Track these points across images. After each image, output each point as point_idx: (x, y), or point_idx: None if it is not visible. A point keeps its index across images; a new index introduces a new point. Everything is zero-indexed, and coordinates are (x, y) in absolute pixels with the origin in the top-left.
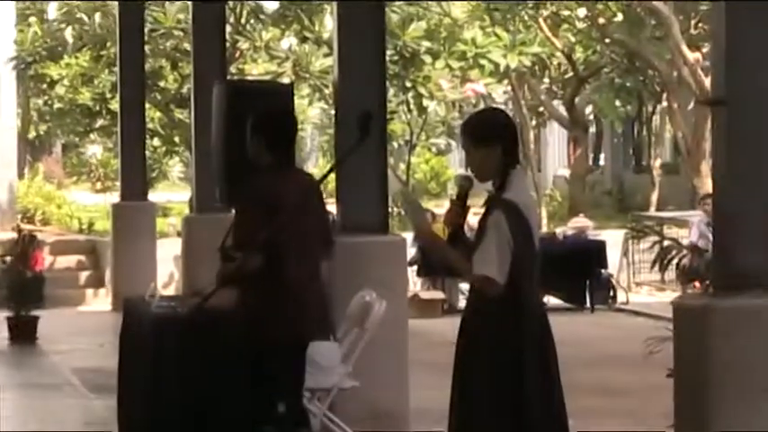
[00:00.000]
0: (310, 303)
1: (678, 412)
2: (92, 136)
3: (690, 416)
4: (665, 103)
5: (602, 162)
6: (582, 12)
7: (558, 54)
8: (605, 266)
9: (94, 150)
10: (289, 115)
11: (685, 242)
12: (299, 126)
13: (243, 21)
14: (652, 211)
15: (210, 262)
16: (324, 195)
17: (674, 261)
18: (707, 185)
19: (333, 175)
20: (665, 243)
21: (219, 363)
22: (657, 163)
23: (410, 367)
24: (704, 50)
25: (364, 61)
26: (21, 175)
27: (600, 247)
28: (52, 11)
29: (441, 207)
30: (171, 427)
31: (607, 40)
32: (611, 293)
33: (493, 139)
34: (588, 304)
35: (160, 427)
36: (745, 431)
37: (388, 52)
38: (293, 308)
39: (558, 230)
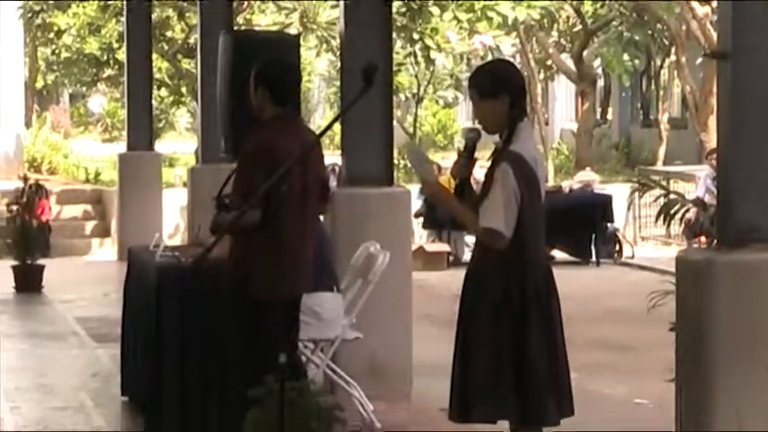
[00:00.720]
0: (305, 259)
1: (679, 366)
2: (99, 86)
3: (690, 370)
4: (673, 58)
5: (609, 116)
6: None
7: (567, 7)
8: (611, 220)
9: (100, 101)
10: (293, 66)
11: (691, 197)
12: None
13: None
14: (659, 166)
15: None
16: (325, 148)
17: (679, 215)
18: (714, 140)
19: (338, 127)
20: (670, 197)
21: (220, 313)
22: (665, 117)
23: (414, 319)
24: (713, 4)
25: (370, 12)
26: (28, 125)
27: (606, 201)
28: None
29: (447, 160)
30: (173, 377)
31: None
32: (617, 248)
33: (501, 91)
34: (593, 258)
35: (163, 377)
36: (745, 385)
37: (396, 4)
38: (286, 263)
39: (565, 184)
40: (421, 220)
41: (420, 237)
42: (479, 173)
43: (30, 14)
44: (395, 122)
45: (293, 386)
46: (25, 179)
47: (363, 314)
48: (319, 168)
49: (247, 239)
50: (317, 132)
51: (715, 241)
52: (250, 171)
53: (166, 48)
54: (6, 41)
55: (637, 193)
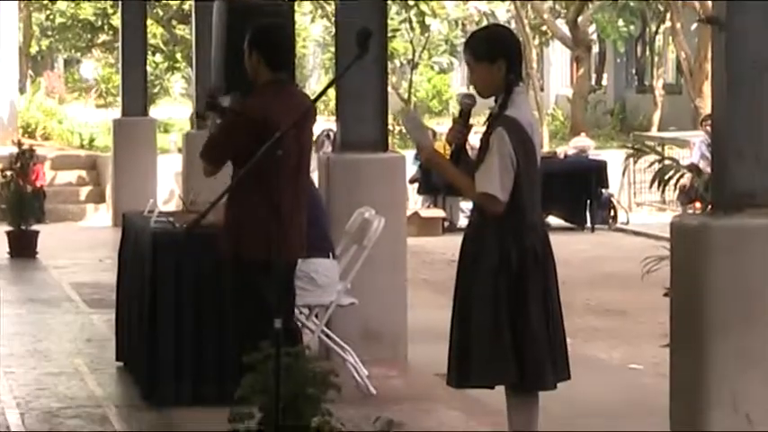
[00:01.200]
0: (298, 223)
1: (673, 331)
2: (93, 51)
3: (684, 335)
4: (668, 23)
5: (604, 82)
6: None
7: None
8: (606, 186)
9: (92, 67)
10: (287, 31)
11: (686, 162)
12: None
13: None
14: (654, 132)
15: (210, 179)
16: (320, 114)
17: (674, 181)
18: (709, 106)
19: (333, 93)
20: (664, 163)
21: (215, 277)
22: (660, 83)
23: (410, 285)
24: None
25: None
26: (22, 91)
27: (601, 166)
28: None
29: (443, 125)
30: (168, 342)
31: None
32: (612, 213)
33: (496, 55)
34: (589, 224)
35: (158, 342)
36: (739, 349)
37: None
38: (280, 226)
39: (560, 150)
40: (416, 185)
41: (415, 202)
42: (475, 138)
43: None
44: (390, 89)
45: (288, 351)
46: (19, 145)
47: (358, 280)
48: (311, 133)
49: (242, 202)
50: (312, 98)
51: (709, 206)
52: (236, 132)
53: (161, 14)
54: (0, 7)
55: (631, 159)
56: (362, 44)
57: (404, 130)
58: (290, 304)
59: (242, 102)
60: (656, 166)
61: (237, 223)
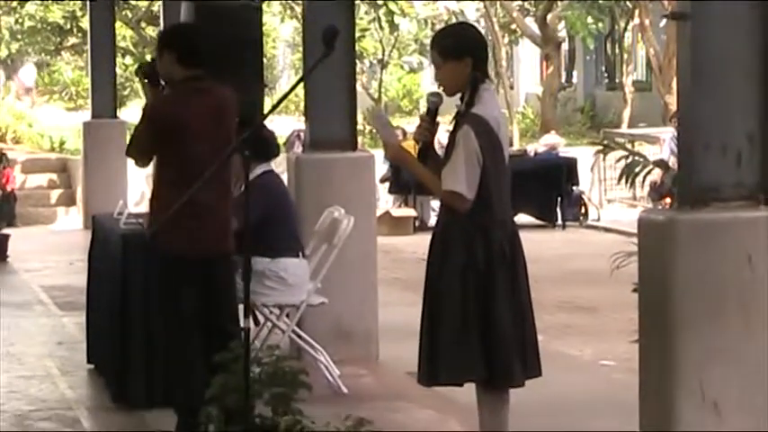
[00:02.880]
0: (219, 219)
1: (642, 326)
2: (63, 54)
3: (653, 330)
4: (637, 20)
5: (574, 79)
6: None
7: None
8: (576, 183)
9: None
10: (197, 28)
11: (656, 159)
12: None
13: None
14: (624, 129)
15: None
16: (289, 114)
17: (642, 177)
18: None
19: (302, 92)
20: (633, 159)
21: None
22: (629, 80)
23: (381, 284)
24: None
25: None
26: None
27: (571, 163)
28: None
29: (413, 125)
30: (138, 344)
31: None
32: (583, 210)
33: (462, 53)
34: (559, 221)
35: (127, 344)
36: (706, 344)
37: None
38: (197, 221)
39: (530, 147)
40: (387, 185)
41: (386, 202)
42: (444, 137)
43: None
44: (360, 88)
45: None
46: None
47: (329, 279)
48: (226, 130)
49: (159, 196)
50: (279, 98)
51: (676, 201)
52: (145, 131)
53: (130, 15)
54: None
55: (601, 156)
56: (329, 43)
57: (374, 130)
58: (225, 303)
59: (154, 102)
60: (625, 162)
61: (154, 215)
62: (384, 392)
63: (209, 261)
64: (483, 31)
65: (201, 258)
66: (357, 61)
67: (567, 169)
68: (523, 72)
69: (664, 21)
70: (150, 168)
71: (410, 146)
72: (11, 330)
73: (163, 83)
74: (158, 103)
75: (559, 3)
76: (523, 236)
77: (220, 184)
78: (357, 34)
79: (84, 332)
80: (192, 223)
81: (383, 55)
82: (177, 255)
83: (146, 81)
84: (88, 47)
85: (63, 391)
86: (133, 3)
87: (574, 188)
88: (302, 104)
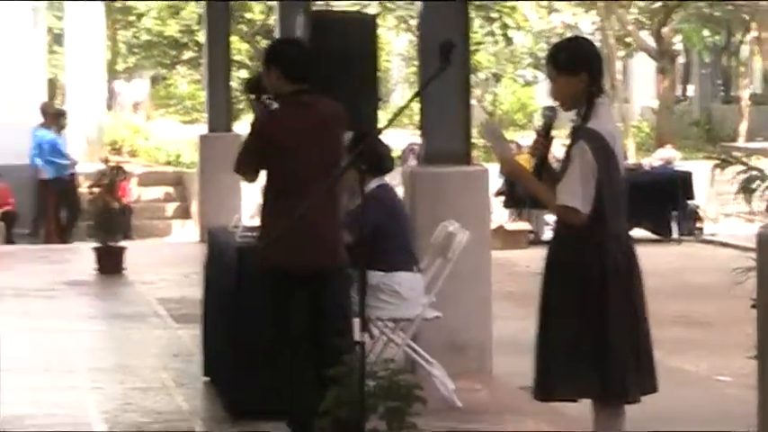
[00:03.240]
0: (324, 233)
1: (760, 342)
2: (178, 68)
3: None
4: (753, 33)
5: (689, 93)
6: None
7: None
8: (692, 197)
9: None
10: (303, 44)
11: None
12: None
13: None
14: (740, 142)
15: None
16: (403, 127)
17: (760, 191)
18: None
19: (416, 106)
20: (749, 173)
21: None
22: (746, 93)
23: (495, 298)
24: None
25: None
26: (109, 107)
27: (686, 177)
28: None
29: (527, 138)
30: (252, 356)
31: None
32: (698, 224)
33: (578, 67)
34: (675, 235)
35: (243, 357)
36: None
37: None
38: (301, 235)
39: (645, 161)
40: (502, 198)
41: (501, 216)
42: (559, 151)
43: None
44: (474, 101)
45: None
46: (106, 162)
47: (443, 293)
48: (333, 144)
49: (267, 210)
50: (395, 112)
51: None
52: (250, 147)
53: (245, 29)
54: (88, 25)
55: (718, 170)
56: (445, 56)
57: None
58: (336, 317)
59: (259, 117)
60: (742, 177)
61: (261, 235)
62: (498, 407)
63: (319, 275)
64: (598, 45)
65: (311, 273)
66: (472, 75)
67: (683, 183)
68: (638, 85)
69: None
70: (264, 180)
71: (525, 160)
72: (126, 342)
73: (267, 98)
74: (263, 117)
75: (675, 16)
76: (639, 249)
77: (330, 198)
78: (472, 48)
79: (200, 345)
80: (301, 238)
81: (497, 68)
82: (286, 270)
83: (252, 96)
84: (204, 61)
85: (179, 403)
86: (248, 16)
87: (689, 202)
88: (416, 118)
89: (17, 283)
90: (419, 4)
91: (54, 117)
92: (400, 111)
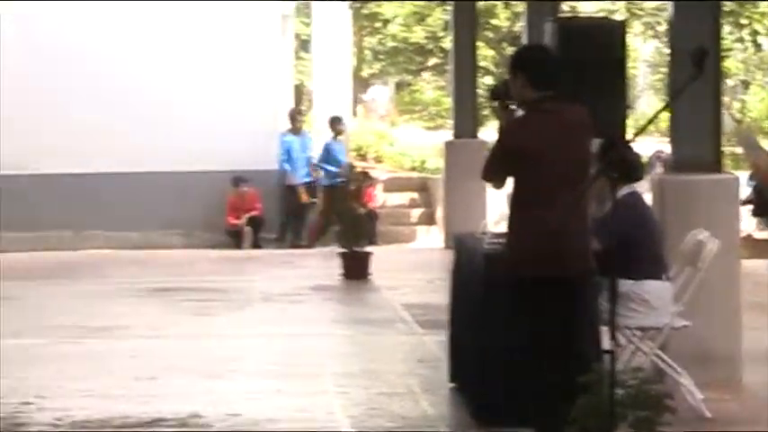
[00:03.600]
0: (569, 239)
1: None
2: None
3: None
4: None
5: None
6: None
7: None
8: None
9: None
10: (550, 51)
11: None
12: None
13: None
14: None
15: None
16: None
17: None
18: None
19: (664, 113)
20: None
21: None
22: None
23: (743, 308)
24: None
25: None
26: (354, 113)
27: None
28: None
29: None
30: (498, 363)
31: None
32: None
33: None
34: None
35: (491, 364)
36: None
37: None
38: (546, 243)
39: None
40: (750, 207)
41: (749, 224)
42: None
43: (358, 4)
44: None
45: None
46: (352, 167)
47: (691, 301)
48: (582, 151)
49: (514, 217)
50: (648, 120)
51: None
52: (497, 155)
53: (491, 36)
54: (335, 31)
55: None
56: (698, 63)
57: (736, 151)
58: (583, 324)
59: (506, 125)
60: None
61: (509, 242)
62: (749, 417)
63: (567, 283)
64: None
65: (559, 281)
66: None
67: None
68: None
69: None
70: (508, 187)
71: None
72: (372, 347)
73: (513, 105)
74: (509, 125)
75: None
76: None
77: (579, 206)
78: (722, 53)
79: (445, 351)
80: (550, 246)
81: (746, 75)
82: (535, 277)
83: (496, 102)
84: (450, 67)
85: (424, 408)
86: (494, 23)
87: None
88: (662, 124)
89: (264, 287)
90: (670, 10)
91: (296, 122)
92: (650, 120)
